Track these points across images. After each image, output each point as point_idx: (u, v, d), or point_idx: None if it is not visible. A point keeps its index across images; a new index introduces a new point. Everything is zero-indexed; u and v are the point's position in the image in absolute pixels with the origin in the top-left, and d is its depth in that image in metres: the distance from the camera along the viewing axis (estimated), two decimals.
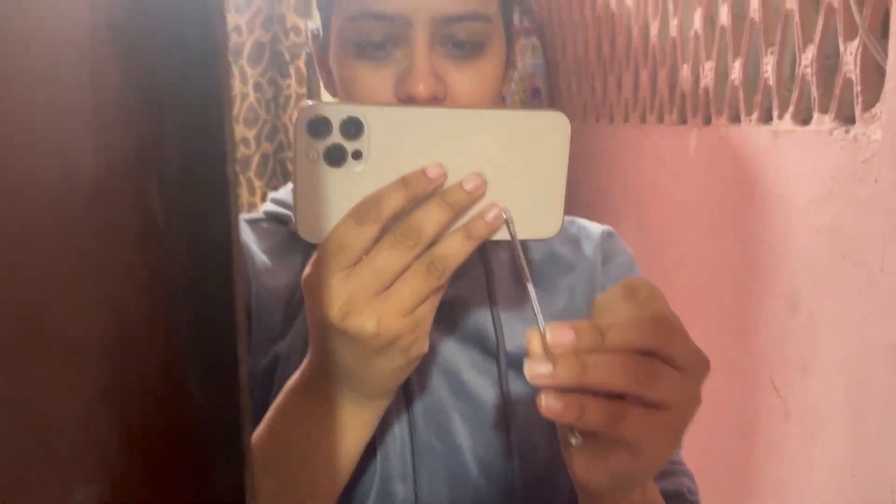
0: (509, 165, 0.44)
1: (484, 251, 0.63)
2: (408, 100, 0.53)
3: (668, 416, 0.39)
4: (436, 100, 0.53)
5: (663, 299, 0.41)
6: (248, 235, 0.64)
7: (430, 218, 0.42)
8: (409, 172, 0.42)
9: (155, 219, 0.20)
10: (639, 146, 1.52)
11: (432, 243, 0.43)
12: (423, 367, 0.59)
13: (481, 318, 0.61)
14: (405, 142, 0.43)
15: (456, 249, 0.43)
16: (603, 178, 1.70)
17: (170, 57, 0.19)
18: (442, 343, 0.60)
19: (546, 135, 0.44)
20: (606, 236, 0.69)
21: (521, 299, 0.64)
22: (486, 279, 0.62)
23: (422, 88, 0.52)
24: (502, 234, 0.45)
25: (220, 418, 0.21)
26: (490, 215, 0.43)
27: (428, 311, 0.44)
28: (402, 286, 0.42)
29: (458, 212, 0.43)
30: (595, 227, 0.70)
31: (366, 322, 0.42)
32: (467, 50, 0.54)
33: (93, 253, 0.20)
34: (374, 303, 0.42)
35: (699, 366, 0.40)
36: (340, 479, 0.49)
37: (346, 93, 0.56)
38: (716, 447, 1.19)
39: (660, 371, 0.39)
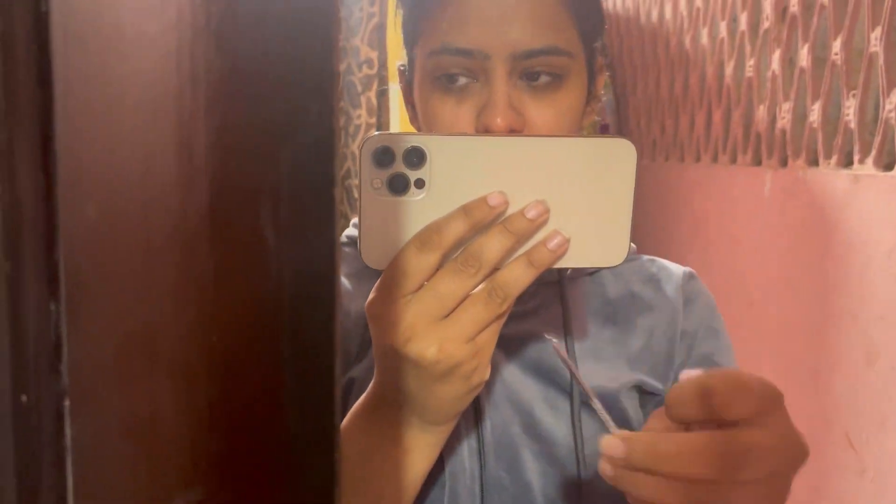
0: (573, 193, 0.44)
1: (562, 286, 0.63)
2: (486, 132, 0.53)
3: (760, 486, 0.37)
4: (513, 132, 0.54)
5: (747, 394, 0.37)
6: None
7: (492, 245, 0.42)
8: (470, 201, 0.43)
9: (266, 244, 0.20)
10: (709, 186, 1.50)
11: (494, 271, 0.43)
12: (496, 401, 0.58)
13: (556, 355, 0.61)
14: (466, 170, 0.43)
15: (517, 277, 0.43)
16: (670, 218, 1.68)
17: (288, 88, 0.20)
18: (515, 378, 0.60)
19: (612, 162, 0.44)
20: (688, 278, 0.68)
21: (597, 337, 0.63)
22: (564, 315, 0.62)
23: (500, 121, 0.53)
24: (565, 262, 0.45)
25: (314, 435, 0.21)
26: (553, 243, 0.43)
27: (489, 338, 0.44)
28: (463, 313, 0.43)
29: (520, 239, 0.43)
30: (677, 268, 0.68)
31: (427, 348, 0.42)
32: (545, 83, 0.55)
33: (206, 277, 0.20)
34: (436, 329, 0.42)
35: (780, 414, 0.39)
36: (405, 503, 0.49)
37: (428, 126, 0.58)
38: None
39: (741, 457, 0.36)
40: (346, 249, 0.67)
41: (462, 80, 0.55)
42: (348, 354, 0.60)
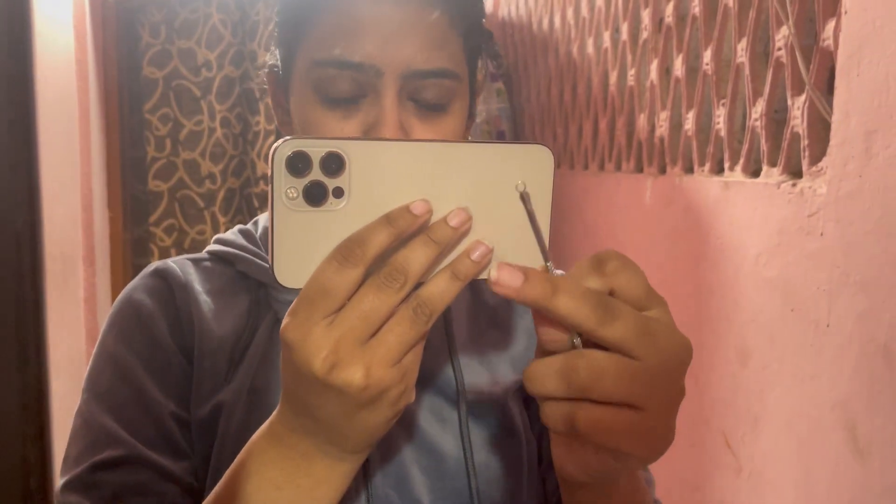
0: (493, 200, 0.42)
1: None
2: None
3: (647, 418, 0.37)
4: None
5: (637, 271, 0.40)
6: (190, 275, 0.61)
7: (416, 257, 0.40)
8: (393, 209, 0.40)
9: None
10: (597, 193, 1.53)
11: (418, 286, 0.41)
12: None
13: (440, 362, 0.59)
14: (388, 177, 0.41)
15: (442, 291, 0.40)
16: (564, 224, 1.70)
17: None
18: None
19: (529, 169, 0.43)
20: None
21: (480, 343, 0.62)
22: (444, 322, 0.60)
23: None
24: (486, 272, 0.42)
25: None
26: (476, 253, 0.41)
27: (414, 359, 0.41)
28: (389, 334, 0.40)
29: (444, 249, 0.41)
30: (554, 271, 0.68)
31: (354, 374, 0.39)
32: (433, 105, 0.54)
33: None
34: (362, 353, 0.39)
35: (663, 309, 0.40)
36: None
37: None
38: (666, 500, 1.17)
39: (618, 308, 0.37)
40: (209, 265, 0.63)
41: (349, 94, 0.53)
42: (215, 377, 0.56)
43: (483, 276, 0.42)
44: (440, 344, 0.60)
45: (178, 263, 0.62)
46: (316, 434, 0.42)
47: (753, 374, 0.98)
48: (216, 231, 2.58)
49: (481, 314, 0.64)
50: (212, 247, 0.64)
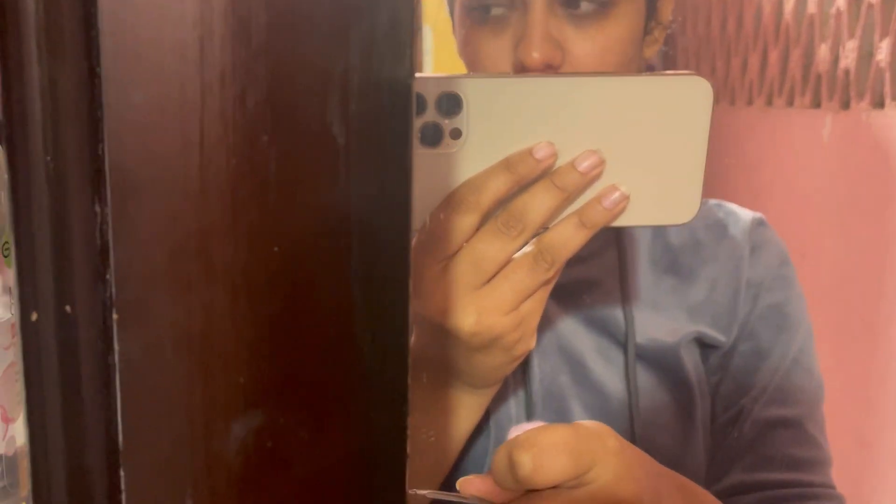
0: (635, 140, 0.39)
1: (619, 231, 0.59)
2: (521, 69, 0.48)
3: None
4: (550, 69, 0.48)
5: (553, 464, 0.34)
6: None
7: (537, 203, 0.37)
8: (513, 152, 0.38)
9: (334, 139, 0.18)
10: (763, 130, 1.44)
11: (540, 231, 0.39)
12: (545, 350, 0.56)
13: (611, 303, 0.58)
14: (509, 117, 0.38)
15: (567, 239, 0.38)
16: (719, 164, 1.62)
17: None
18: (567, 326, 0.57)
19: (682, 105, 0.39)
20: (757, 224, 0.63)
21: (656, 287, 0.59)
22: (619, 262, 0.58)
23: (536, 55, 0.47)
24: (625, 220, 0.40)
25: (385, 355, 0.19)
26: (609, 200, 0.38)
27: (534, 307, 0.40)
28: (504, 280, 0.38)
29: (570, 196, 0.38)
30: (745, 213, 0.64)
31: (464, 319, 0.38)
32: (591, 9, 0.48)
33: (267, 177, 0.18)
34: (474, 298, 0.38)
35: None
36: (449, 458, 0.47)
37: (468, 61, 0.53)
38: (837, 456, 1.12)
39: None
40: None
41: (497, 10, 0.49)
42: None
43: (619, 223, 0.39)
44: (613, 284, 0.58)
45: None
46: (439, 365, 0.43)
47: None
48: None
49: (662, 257, 0.61)
50: None
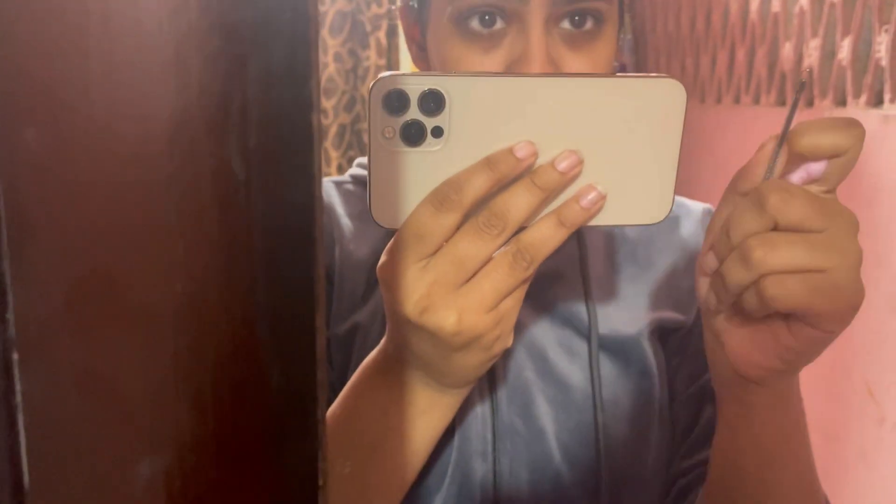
0: (611, 141, 0.39)
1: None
2: None
3: (833, 276, 0.38)
4: None
5: (799, 197, 0.39)
6: (333, 198, 0.62)
7: (518, 202, 0.38)
8: (494, 151, 0.38)
9: (234, 175, 0.18)
10: (731, 128, 1.45)
11: (519, 231, 0.39)
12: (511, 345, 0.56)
13: (573, 296, 0.58)
14: (490, 116, 0.38)
15: (546, 238, 0.39)
16: (690, 160, 1.63)
17: None
18: (530, 320, 0.57)
19: (656, 106, 0.39)
20: (707, 213, 0.64)
21: (615, 279, 0.60)
22: (580, 255, 0.59)
23: None
24: (600, 219, 0.40)
25: (295, 392, 0.19)
26: (586, 199, 0.39)
27: (513, 305, 0.40)
28: (485, 279, 0.39)
29: (550, 195, 0.39)
30: (695, 205, 0.65)
31: (445, 319, 0.38)
32: (587, 30, 0.49)
33: (168, 212, 0.18)
34: (455, 298, 0.39)
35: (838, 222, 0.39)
36: (417, 460, 0.47)
37: None
38: None
39: (793, 190, 0.39)
40: (351, 188, 0.64)
41: (491, 25, 0.49)
42: (353, 298, 0.58)
43: (595, 222, 0.40)
44: (574, 277, 0.58)
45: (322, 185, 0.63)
46: (415, 367, 0.43)
47: None
48: (328, 166, 2.63)
49: (620, 248, 0.62)
50: (354, 169, 0.65)
